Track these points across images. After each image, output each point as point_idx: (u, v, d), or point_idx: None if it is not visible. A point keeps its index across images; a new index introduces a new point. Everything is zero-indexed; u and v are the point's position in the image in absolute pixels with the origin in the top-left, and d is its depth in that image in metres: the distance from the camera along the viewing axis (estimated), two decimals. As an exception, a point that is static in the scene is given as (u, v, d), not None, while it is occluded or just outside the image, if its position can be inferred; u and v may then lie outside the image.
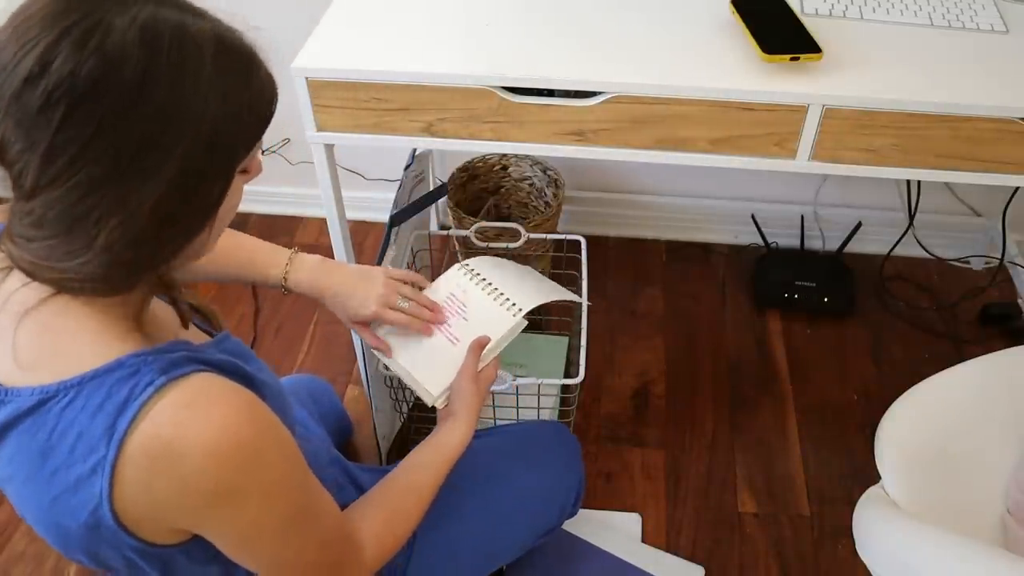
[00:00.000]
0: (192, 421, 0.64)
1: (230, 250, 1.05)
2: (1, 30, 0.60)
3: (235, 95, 0.64)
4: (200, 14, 0.64)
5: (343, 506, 0.93)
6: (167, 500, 0.65)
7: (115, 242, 0.61)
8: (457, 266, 1.20)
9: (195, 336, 0.79)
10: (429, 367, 1.09)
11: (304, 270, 1.08)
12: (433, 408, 1.07)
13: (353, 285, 1.08)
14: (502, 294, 1.16)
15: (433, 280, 1.19)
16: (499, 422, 1.46)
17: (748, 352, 1.82)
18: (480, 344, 1.06)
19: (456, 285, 1.17)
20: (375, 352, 1.13)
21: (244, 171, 0.70)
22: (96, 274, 0.62)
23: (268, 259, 1.08)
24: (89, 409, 0.64)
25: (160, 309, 0.78)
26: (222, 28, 0.64)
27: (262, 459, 0.68)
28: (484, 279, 1.18)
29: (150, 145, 0.60)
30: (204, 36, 0.62)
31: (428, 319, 1.10)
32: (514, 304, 1.14)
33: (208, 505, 0.66)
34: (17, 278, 0.66)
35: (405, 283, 1.11)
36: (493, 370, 1.07)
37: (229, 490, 0.66)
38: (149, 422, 0.63)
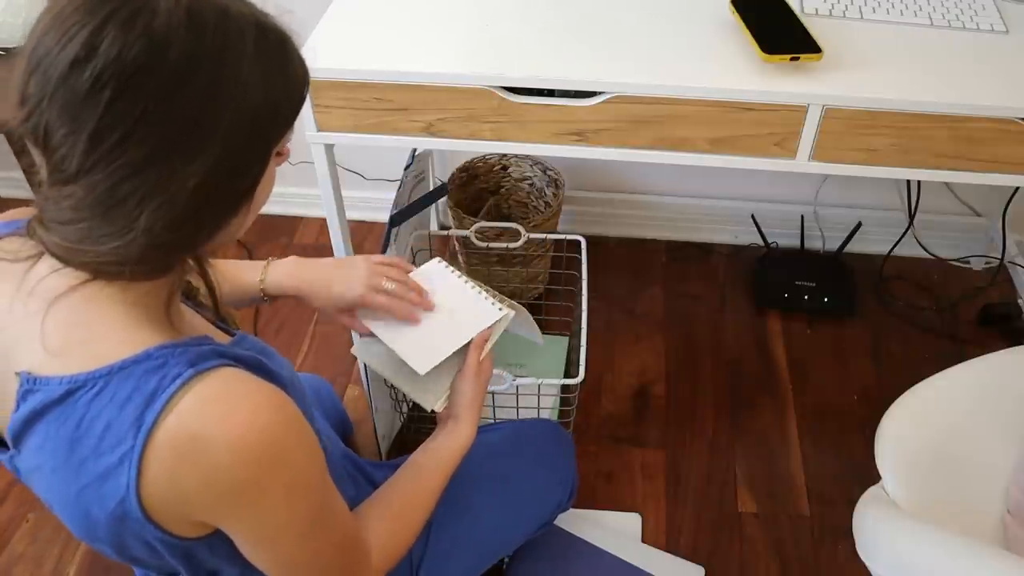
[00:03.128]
0: (219, 415, 0.64)
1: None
2: (39, 19, 0.60)
3: (274, 77, 0.65)
4: None
5: (358, 503, 0.94)
6: (192, 493, 0.65)
7: (156, 223, 0.61)
8: (436, 260, 1.15)
9: (217, 336, 0.79)
10: (418, 348, 1.04)
11: (280, 269, 1.05)
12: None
13: (333, 272, 1.05)
14: (486, 291, 1.12)
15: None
16: (499, 422, 1.46)
17: (748, 352, 1.82)
18: (483, 341, 1.04)
19: (436, 283, 1.11)
20: (363, 355, 1.11)
21: (278, 153, 0.71)
22: (134, 256, 0.62)
23: (243, 272, 1.05)
24: (117, 400, 0.64)
25: (185, 309, 0.79)
26: (259, 12, 0.66)
27: (287, 456, 0.68)
28: (464, 277, 1.14)
29: (194, 126, 0.60)
30: (245, 19, 0.63)
31: (415, 302, 1.04)
32: (499, 300, 1.11)
33: (231, 499, 0.66)
34: (46, 265, 0.66)
35: (390, 267, 1.07)
36: (490, 365, 1.06)
37: (253, 485, 0.66)
38: (176, 415, 0.63)
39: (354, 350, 1.12)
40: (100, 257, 0.62)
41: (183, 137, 0.60)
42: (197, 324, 0.79)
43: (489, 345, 1.07)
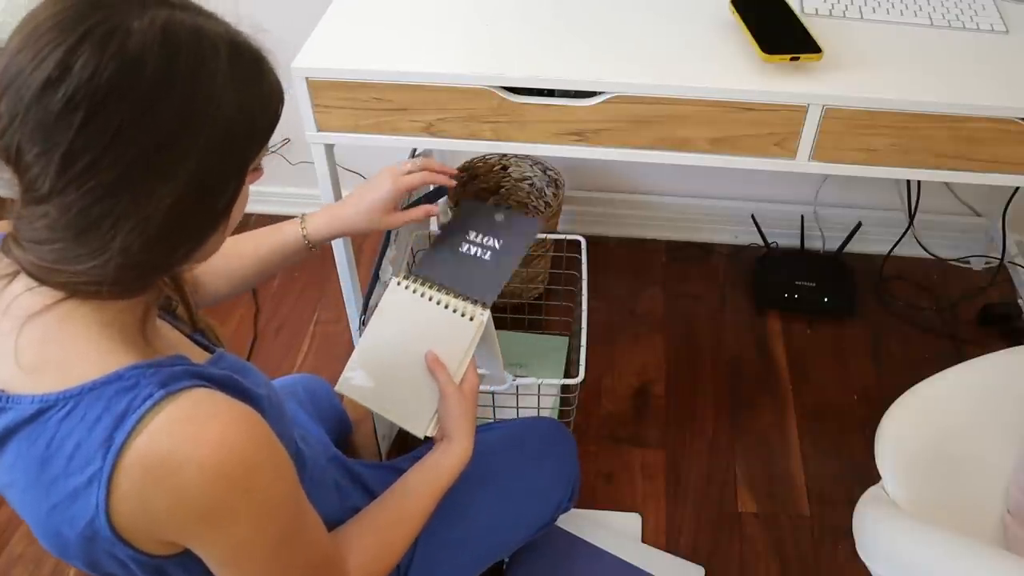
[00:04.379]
0: (189, 436, 0.63)
1: (241, 244, 1.07)
2: (11, 38, 0.60)
3: (248, 96, 0.65)
4: (212, 17, 0.65)
5: (346, 508, 0.93)
6: (161, 513, 0.65)
7: (131, 244, 0.61)
8: (394, 283, 1.12)
9: (194, 354, 0.79)
10: (409, 409, 1.06)
11: (317, 215, 1.10)
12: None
13: (359, 187, 1.10)
14: (455, 296, 1.09)
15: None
16: (499, 422, 1.46)
17: (748, 352, 1.82)
18: (435, 360, 1.03)
19: (403, 308, 1.10)
20: (346, 390, 1.10)
21: (254, 170, 0.71)
22: (109, 276, 0.62)
23: (279, 230, 1.09)
24: (88, 420, 0.63)
25: (163, 325, 0.78)
26: (233, 32, 0.65)
27: (257, 477, 0.67)
28: (429, 287, 1.11)
29: (168, 146, 0.60)
30: (219, 39, 0.63)
31: (440, 170, 1.11)
32: (470, 304, 1.08)
33: (199, 520, 0.66)
34: (22, 283, 0.66)
35: (406, 162, 1.13)
36: (474, 376, 1.05)
37: (221, 506, 0.65)
38: (146, 435, 0.63)
39: (337, 387, 1.10)
40: (76, 277, 0.62)
41: (157, 157, 0.60)
42: (174, 341, 0.78)
43: (468, 356, 1.05)
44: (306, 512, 0.77)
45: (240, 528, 0.68)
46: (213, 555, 0.70)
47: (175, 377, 0.66)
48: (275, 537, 0.71)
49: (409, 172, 1.09)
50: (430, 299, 1.09)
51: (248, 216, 2.18)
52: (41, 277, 0.64)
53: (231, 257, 1.04)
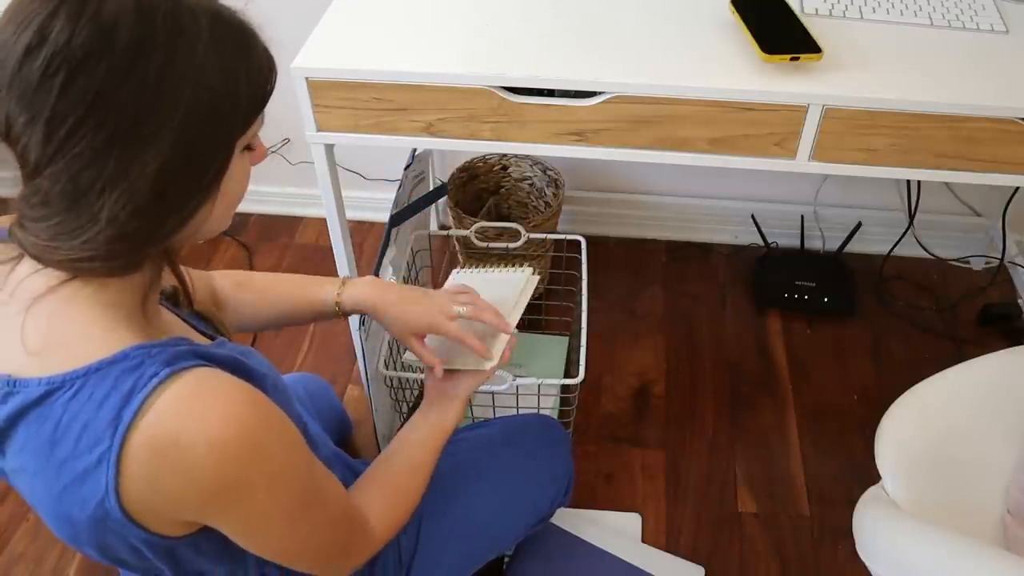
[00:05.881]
0: (196, 413, 0.64)
1: (275, 284, 1.07)
2: None
3: (232, 66, 0.65)
4: None
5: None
6: (172, 492, 0.65)
7: (119, 213, 0.62)
8: (455, 271, 1.28)
9: (195, 339, 0.80)
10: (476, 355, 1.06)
11: (359, 286, 1.05)
12: None
13: (410, 294, 1.04)
14: (500, 268, 1.23)
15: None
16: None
17: (748, 352, 1.82)
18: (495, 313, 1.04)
19: (461, 280, 1.20)
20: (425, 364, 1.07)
21: (249, 148, 0.71)
22: (102, 250, 0.63)
23: (312, 287, 1.05)
24: (95, 400, 0.64)
25: (167, 313, 0.79)
26: (217, 4, 0.66)
27: (266, 450, 0.68)
28: (478, 269, 1.27)
29: (148, 112, 0.61)
30: (200, 8, 0.64)
31: (491, 322, 1.03)
32: (516, 268, 1.21)
33: (214, 497, 0.66)
34: (27, 266, 0.67)
35: (461, 292, 1.08)
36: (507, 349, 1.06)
37: (234, 481, 0.66)
38: (153, 414, 0.63)
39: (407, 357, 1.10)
40: (72, 253, 0.63)
41: (138, 122, 0.61)
42: (176, 328, 0.79)
43: (524, 301, 1.13)
44: (320, 475, 0.78)
45: (254, 501, 0.69)
46: (233, 528, 0.71)
47: (179, 356, 0.66)
48: (291, 505, 0.73)
49: (459, 316, 1.03)
50: (485, 270, 1.25)
51: (247, 216, 2.18)
52: (41, 256, 0.64)
53: (261, 296, 1.05)
